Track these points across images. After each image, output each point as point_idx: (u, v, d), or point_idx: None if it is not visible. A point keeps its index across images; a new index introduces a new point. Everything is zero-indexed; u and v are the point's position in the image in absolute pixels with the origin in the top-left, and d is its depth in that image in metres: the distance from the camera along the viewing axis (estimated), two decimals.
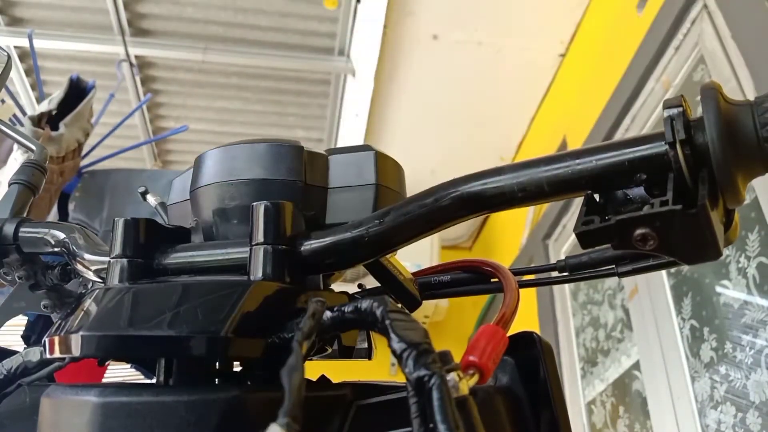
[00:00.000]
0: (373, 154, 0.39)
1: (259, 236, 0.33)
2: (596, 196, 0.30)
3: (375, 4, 2.11)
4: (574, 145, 2.18)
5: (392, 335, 0.25)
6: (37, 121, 1.57)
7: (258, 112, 2.67)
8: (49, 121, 1.60)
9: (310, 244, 0.34)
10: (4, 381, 0.34)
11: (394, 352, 0.25)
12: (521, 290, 0.42)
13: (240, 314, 0.29)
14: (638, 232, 0.27)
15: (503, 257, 2.73)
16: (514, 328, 0.35)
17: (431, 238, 2.51)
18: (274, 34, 2.35)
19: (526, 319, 2.32)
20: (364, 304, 0.27)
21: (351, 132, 2.64)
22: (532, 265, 0.47)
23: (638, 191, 0.29)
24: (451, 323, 2.91)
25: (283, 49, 2.40)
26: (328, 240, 0.33)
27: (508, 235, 2.76)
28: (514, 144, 2.73)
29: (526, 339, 0.35)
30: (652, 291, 1.59)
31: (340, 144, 2.75)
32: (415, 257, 2.59)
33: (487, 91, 2.46)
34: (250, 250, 0.33)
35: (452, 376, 0.24)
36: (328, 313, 0.28)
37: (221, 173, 0.38)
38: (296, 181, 0.37)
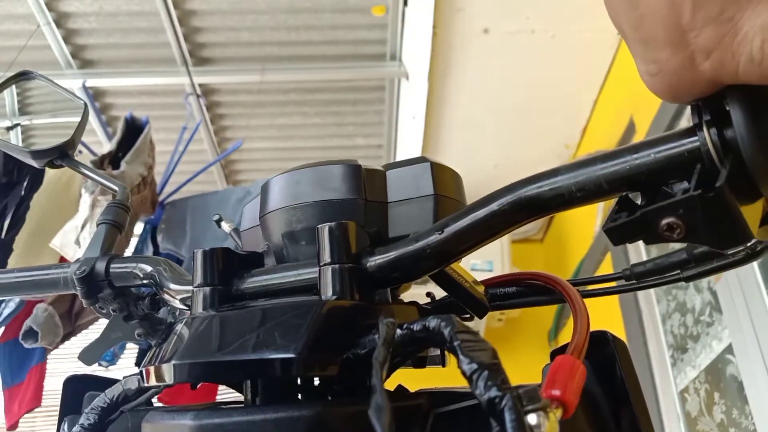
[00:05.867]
0: (428, 165, 0.40)
1: (326, 257, 0.34)
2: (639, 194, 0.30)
3: (422, 5, 2.11)
4: (642, 124, 2.10)
5: (461, 357, 0.25)
6: (99, 163, 1.69)
7: (318, 125, 2.72)
8: (113, 160, 1.72)
9: (375, 260, 0.35)
10: (108, 409, 0.37)
11: (463, 373, 0.25)
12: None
13: (314, 334, 0.30)
14: (664, 222, 0.26)
15: (576, 247, 2.66)
16: (597, 324, 0.35)
17: None
18: (327, 47, 2.39)
19: (608, 310, 2.25)
20: (432, 323, 0.28)
21: (409, 135, 2.65)
22: (597, 275, 0.46)
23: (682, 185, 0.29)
24: (528, 318, 2.86)
25: (336, 61, 2.44)
26: (391, 255, 0.34)
27: (579, 224, 2.69)
28: (578, 129, 2.65)
29: (598, 338, 0.34)
30: (740, 271, 1.51)
31: (400, 148, 2.76)
32: (485, 254, 2.57)
33: (545, 79, 2.41)
34: (319, 270, 0.34)
35: (540, 414, 0.23)
36: (398, 332, 0.29)
37: (287, 198, 0.40)
38: (357, 199, 0.38)
